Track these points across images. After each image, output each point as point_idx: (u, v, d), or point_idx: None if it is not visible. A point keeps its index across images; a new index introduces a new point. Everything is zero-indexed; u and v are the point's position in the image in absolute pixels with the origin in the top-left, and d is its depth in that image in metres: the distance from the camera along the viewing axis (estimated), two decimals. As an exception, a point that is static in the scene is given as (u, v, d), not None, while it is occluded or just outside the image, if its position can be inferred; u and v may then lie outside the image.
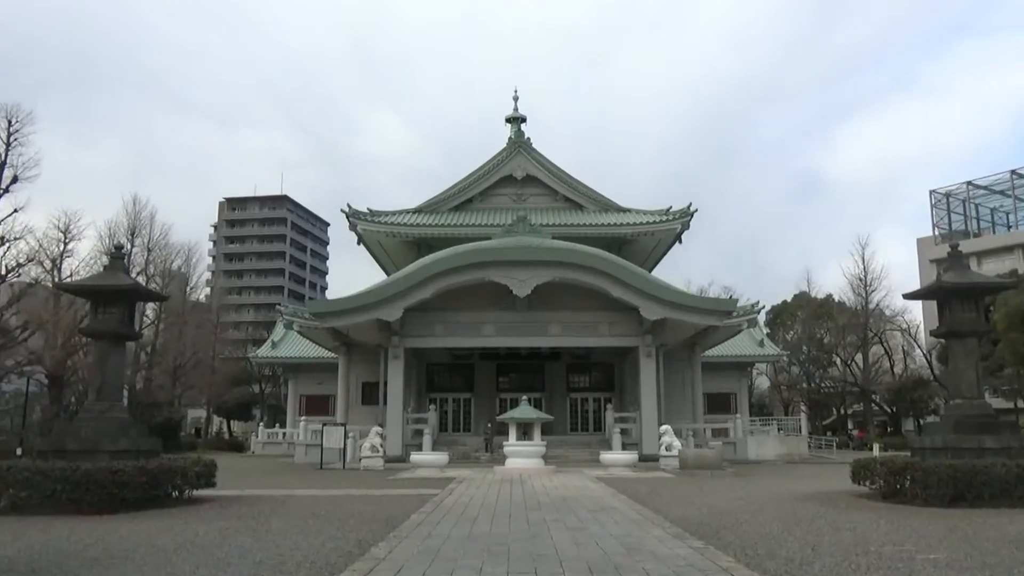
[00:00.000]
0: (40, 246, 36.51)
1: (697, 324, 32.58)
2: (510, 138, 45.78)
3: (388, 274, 43.34)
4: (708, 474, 23.71)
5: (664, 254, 45.67)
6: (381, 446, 29.21)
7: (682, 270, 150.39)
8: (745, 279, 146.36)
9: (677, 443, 28.78)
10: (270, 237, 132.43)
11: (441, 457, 26.31)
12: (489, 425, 32.65)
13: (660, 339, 33.47)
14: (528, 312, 33.42)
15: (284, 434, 47.66)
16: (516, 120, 47.52)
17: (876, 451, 35.46)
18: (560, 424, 39.30)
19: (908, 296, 18.50)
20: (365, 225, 40.94)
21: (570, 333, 33.87)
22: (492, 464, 29.14)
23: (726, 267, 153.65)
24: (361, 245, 43.29)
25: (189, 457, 16.76)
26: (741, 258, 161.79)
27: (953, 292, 16.72)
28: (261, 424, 53.49)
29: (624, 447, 32.59)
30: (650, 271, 40.34)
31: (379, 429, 30.00)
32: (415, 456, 26.80)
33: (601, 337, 33.97)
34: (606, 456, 27.09)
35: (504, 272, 31.68)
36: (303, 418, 41.14)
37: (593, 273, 31.45)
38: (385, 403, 33.16)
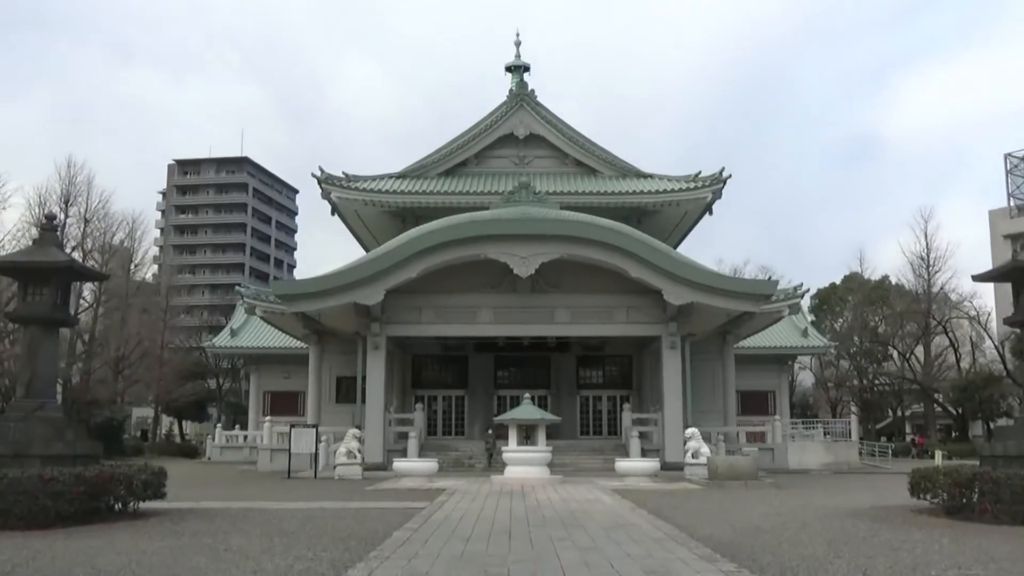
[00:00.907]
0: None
1: (730, 310, 32.63)
2: (511, 90, 45.53)
3: (367, 250, 43.30)
4: (742, 485, 23.81)
5: (691, 228, 45.68)
6: (359, 451, 29.33)
7: (713, 247, 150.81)
8: (786, 257, 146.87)
9: (705, 449, 28.92)
10: (228, 206, 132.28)
11: (429, 465, 26.42)
12: (491, 432, 32.77)
13: (686, 328, 33.52)
14: (532, 295, 33.43)
15: (245, 437, 47.89)
16: (518, 69, 47.29)
17: (939, 459, 35.60)
18: (568, 426, 39.54)
19: (978, 278, 18.45)
20: (340, 192, 40.85)
21: (581, 320, 33.91)
22: (489, 473, 29.33)
23: (764, 243, 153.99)
24: (336, 216, 43.29)
25: (134, 464, 16.79)
26: (782, 233, 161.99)
27: (1032, 273, 16.69)
28: (218, 425, 53.71)
29: (644, 454, 32.76)
30: (675, 247, 40.41)
31: (357, 432, 30.11)
32: (399, 463, 26.91)
33: (617, 325, 34.00)
34: (622, 464, 27.21)
35: (503, 248, 31.67)
36: (267, 418, 41.37)
37: (608, 249, 31.46)
38: (364, 401, 33.28)
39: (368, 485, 24.52)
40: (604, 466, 32.08)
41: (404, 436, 34.35)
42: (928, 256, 58.08)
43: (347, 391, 39.89)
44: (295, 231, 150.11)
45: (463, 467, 33.11)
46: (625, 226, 33.15)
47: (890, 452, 43.89)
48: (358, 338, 33.84)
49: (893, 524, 14.17)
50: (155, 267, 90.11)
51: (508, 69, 47.79)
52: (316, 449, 31.10)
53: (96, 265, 45.37)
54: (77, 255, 44.30)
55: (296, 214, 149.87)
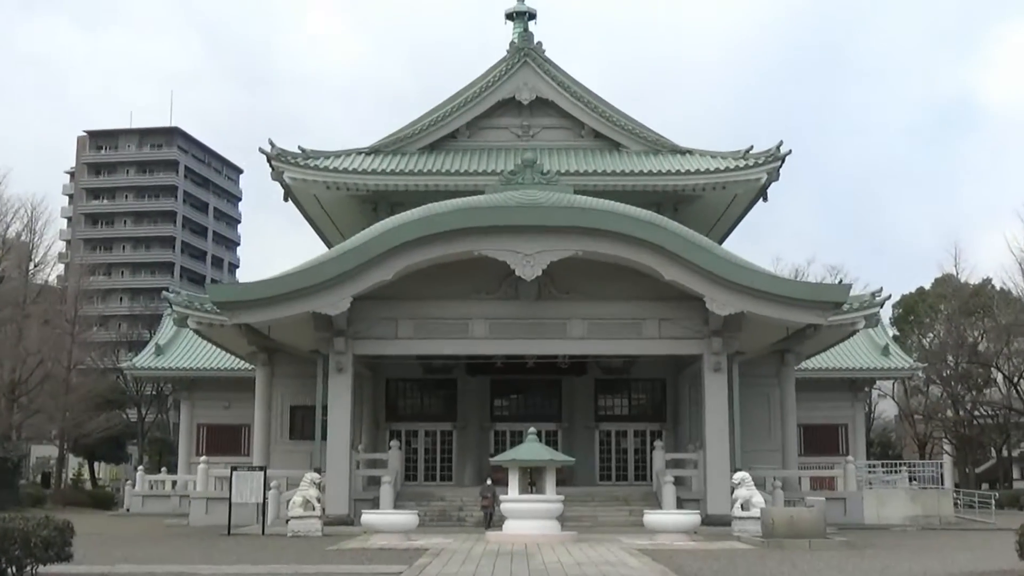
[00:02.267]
0: None
1: (790, 322, 32.61)
2: (512, 43, 45.41)
3: (330, 246, 43.35)
4: (805, 545, 23.75)
5: (740, 218, 45.64)
6: (318, 501, 29.26)
7: (766, 243, 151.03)
8: (861, 256, 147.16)
9: (759, 498, 28.85)
10: (154, 189, 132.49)
11: (407, 519, 26.35)
12: (489, 482, 32.54)
13: (735, 345, 33.54)
14: (538, 304, 33.47)
15: (174, 483, 47.87)
16: (521, 16, 47.20)
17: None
18: (585, 470, 39.54)
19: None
20: (296, 172, 40.88)
21: (600, 335, 33.93)
22: (483, 529, 29.21)
23: (832, 238, 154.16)
24: (290, 203, 43.30)
25: (33, 517, 16.76)
26: (855, 225, 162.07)
27: None
28: (139, 468, 53.62)
29: (680, 504, 32.65)
30: (720, 243, 40.42)
31: (315, 476, 30.07)
32: (369, 516, 26.84)
33: (647, 341, 34.01)
34: (653, 518, 27.13)
35: (503, 243, 31.69)
36: (202, 459, 41.32)
37: (636, 245, 31.47)
38: (324, 438, 33.25)
39: (330, 544, 24.44)
40: (630, 520, 31.80)
41: (376, 482, 34.25)
42: (1042, 254, 57.90)
43: (304, 425, 39.79)
44: (238, 222, 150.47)
45: (451, 521, 32.99)
46: (658, 215, 33.11)
47: (993, 502, 43.78)
48: (318, 357, 33.78)
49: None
50: (60, 267, 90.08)
51: (509, 16, 47.56)
52: (264, 498, 31.00)
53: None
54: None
55: (240, 200, 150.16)
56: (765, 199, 42.41)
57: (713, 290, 31.53)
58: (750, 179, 40.98)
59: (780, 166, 40.97)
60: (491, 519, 31.06)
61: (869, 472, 47.52)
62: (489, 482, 32.19)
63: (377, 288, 31.88)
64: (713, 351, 33.16)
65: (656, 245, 31.35)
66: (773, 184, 41.35)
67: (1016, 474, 70.45)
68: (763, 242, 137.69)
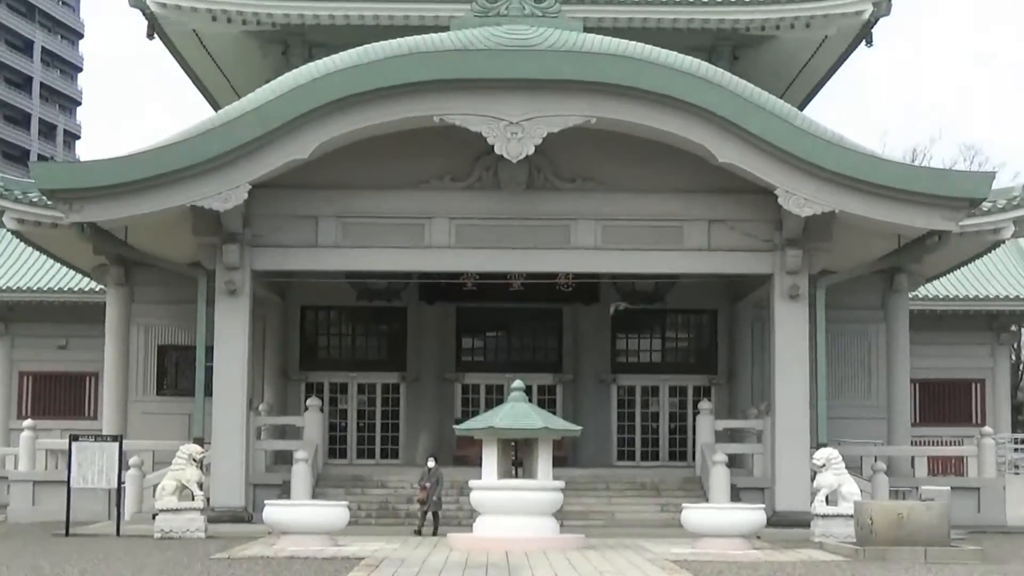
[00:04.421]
0: None
1: (904, 227, 32.47)
2: None
3: (217, 108, 42.80)
4: (920, 557, 23.81)
5: (831, 73, 45.28)
6: (200, 487, 29.26)
7: (866, 115, 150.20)
8: (1009, 134, 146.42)
9: (852, 487, 28.90)
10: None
11: (333, 513, 26.38)
12: (432, 464, 31.92)
13: (820, 261, 33.58)
14: (529, 197, 33.41)
15: (-14, 458, 47.81)
16: None
17: None
18: (597, 442, 39.99)
19: None
20: (163, -6, 40.14)
21: (621, 244, 33.91)
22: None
23: (967, 106, 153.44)
24: (156, 40, 42.51)
25: None
26: (1000, 90, 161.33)
27: None
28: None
29: (736, 495, 32.93)
30: (800, 108, 40.03)
31: (195, 450, 30.00)
32: (275, 510, 26.79)
33: (690, 254, 33.99)
34: (696, 515, 27.14)
35: (477, 105, 31.46)
36: (26, 423, 41.14)
37: (675, 110, 31.26)
38: (209, 393, 33.35)
39: (216, 549, 24.43)
40: (662, 517, 32.15)
41: (286, 459, 34.25)
42: None
43: (178, 374, 39.97)
44: (79, 70, 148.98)
45: (397, 516, 33.15)
46: (708, 65, 32.70)
47: None
48: (199, 274, 33.77)
49: None
50: None
51: None
52: (120, 482, 31.01)
53: None
54: None
55: (82, 38, 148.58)
56: (869, 43, 41.88)
57: (790, 178, 31.39)
58: (847, 11, 40.48)
59: (892, -8, 40.48)
60: (436, 522, 30.62)
61: (1015, 451, 47.83)
62: (432, 464, 31.65)
63: (288, 171, 31.76)
64: (788, 269, 33.12)
65: (705, 110, 31.12)
66: (882, 20, 40.84)
67: None
68: (862, 113, 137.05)
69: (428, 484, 30.82)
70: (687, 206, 33.67)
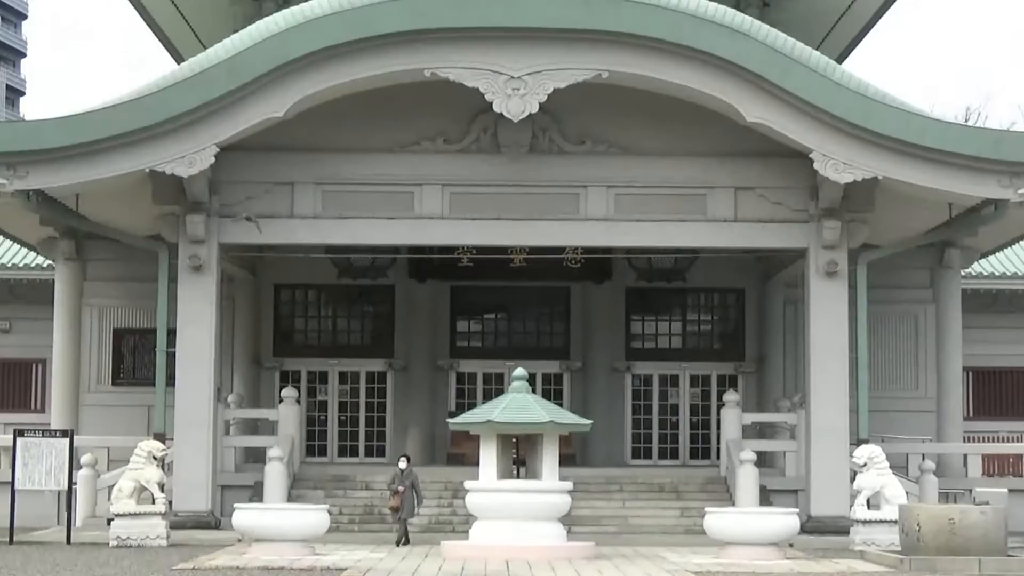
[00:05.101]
0: None
1: (956, 195, 32.32)
2: None
3: (180, 60, 42.79)
4: (974, 569, 23.78)
5: (871, 25, 45.24)
6: (161, 488, 29.27)
7: (913, 73, 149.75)
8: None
9: (897, 489, 28.92)
10: None
11: (311, 519, 26.34)
12: (404, 464, 31.49)
13: (861, 233, 33.60)
14: (532, 161, 33.39)
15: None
16: None
17: None
18: (609, 438, 40.14)
19: None
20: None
21: (636, 214, 33.93)
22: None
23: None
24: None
25: None
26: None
27: None
28: None
29: (766, 497, 33.02)
30: (839, 63, 39.96)
31: (156, 447, 30.03)
32: (246, 515, 26.78)
33: (714, 226, 34.02)
34: (722, 520, 27.13)
35: (474, 57, 31.37)
36: (-35, 416, 41.25)
37: (699, 63, 31.21)
38: (172, 383, 33.42)
39: (180, 560, 24.40)
40: (682, 523, 32.21)
41: (258, 456, 34.31)
42: None
43: (136, 361, 40.03)
44: (23, 16, 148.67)
45: (383, 522, 32.96)
46: (736, 13, 32.55)
47: None
48: (160, 249, 33.80)
49: None
50: None
51: None
52: (71, 482, 31.03)
53: None
54: None
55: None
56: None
57: (827, 140, 31.33)
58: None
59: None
60: (406, 532, 30.01)
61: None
62: (404, 464, 30.86)
63: (261, 132, 31.73)
64: (825, 243, 33.14)
65: (732, 63, 31.05)
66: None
67: None
68: (908, 69, 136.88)
69: (402, 488, 30.08)
70: (711, 172, 33.68)
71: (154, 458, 29.61)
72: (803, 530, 29.22)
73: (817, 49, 35.31)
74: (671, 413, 42.01)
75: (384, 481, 33.53)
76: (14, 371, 48.45)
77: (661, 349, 42.59)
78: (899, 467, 31.80)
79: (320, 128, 32.66)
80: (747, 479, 33.24)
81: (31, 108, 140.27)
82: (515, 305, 42.90)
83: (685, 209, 33.89)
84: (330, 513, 27.54)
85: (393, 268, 40.66)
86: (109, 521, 29.31)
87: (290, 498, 32.56)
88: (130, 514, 28.83)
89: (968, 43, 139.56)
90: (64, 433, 32.26)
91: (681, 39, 31.01)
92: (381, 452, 41.18)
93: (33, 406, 45.87)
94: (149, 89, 32.18)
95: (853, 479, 29.94)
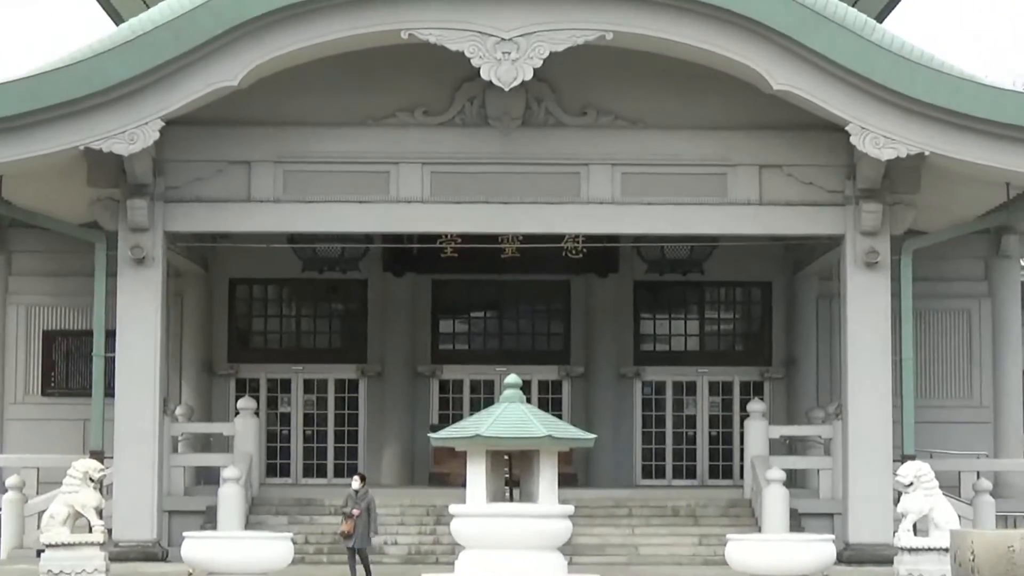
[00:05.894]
0: None
1: (1013, 174, 32.25)
2: None
3: (120, 21, 42.84)
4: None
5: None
6: (98, 514, 29.24)
7: (964, 34, 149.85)
8: None
9: (948, 513, 28.90)
10: None
11: (272, 548, 26.44)
12: (358, 484, 31.15)
13: (906, 218, 33.63)
14: (526, 136, 33.43)
15: None
16: None
17: None
18: (616, 455, 40.25)
19: None
20: None
21: (646, 196, 33.99)
22: (413, 570, 29.38)
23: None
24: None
25: None
26: None
27: None
28: None
29: (798, 524, 33.02)
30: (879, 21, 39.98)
31: (93, 467, 29.95)
32: (197, 544, 26.87)
33: (735, 210, 34.10)
34: (744, 550, 27.23)
35: (458, 16, 31.32)
36: None
37: (716, 22, 31.12)
38: (111, 393, 33.39)
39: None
40: (699, 552, 32.30)
41: (210, 477, 34.32)
42: None
43: (70, 367, 40.02)
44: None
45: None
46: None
47: None
48: (95, 237, 33.76)
49: None
50: None
51: None
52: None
53: None
54: None
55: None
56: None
57: (865, 110, 31.31)
58: None
59: None
60: (367, 565, 29.78)
61: None
62: (358, 484, 30.53)
63: (213, 104, 31.72)
64: (864, 229, 33.15)
65: (756, 21, 31.01)
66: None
67: None
68: (958, 31, 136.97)
69: (356, 512, 29.73)
70: (732, 147, 33.69)
71: (91, 480, 29.41)
72: (839, 560, 29.29)
73: (852, 6, 35.42)
74: (687, 426, 42.04)
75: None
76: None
77: (675, 352, 42.64)
78: (950, 487, 31.78)
79: (281, 99, 32.66)
80: (775, 501, 33.23)
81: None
82: (507, 302, 42.96)
83: (702, 190, 33.89)
84: (294, 542, 27.62)
85: (366, 260, 40.69)
86: (39, 552, 29.18)
87: (248, 525, 32.56)
88: (63, 544, 28.61)
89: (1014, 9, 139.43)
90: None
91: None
92: (353, 472, 40.96)
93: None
94: (83, 55, 32.05)
95: (897, 501, 29.91)
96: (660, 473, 41.42)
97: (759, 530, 32.35)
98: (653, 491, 38.93)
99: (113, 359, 33.26)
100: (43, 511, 30.22)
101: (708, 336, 42.62)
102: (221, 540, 27.90)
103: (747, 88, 31.93)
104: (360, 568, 29.59)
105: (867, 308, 33.32)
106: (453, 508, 27.79)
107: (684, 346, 42.68)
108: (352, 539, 29.38)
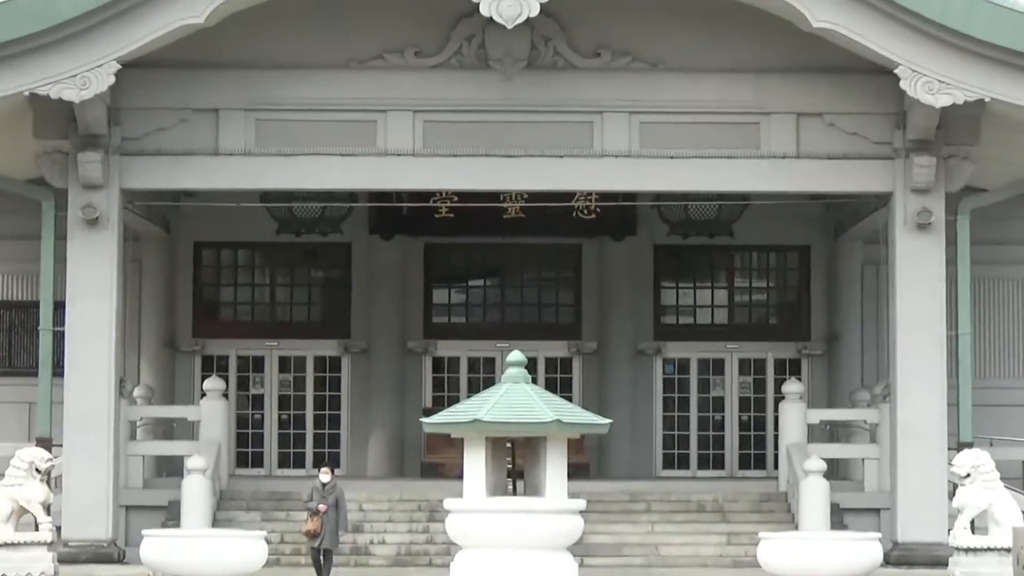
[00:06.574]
0: None
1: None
2: None
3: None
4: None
5: None
6: (46, 509, 29.19)
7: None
8: None
9: (1010, 508, 28.82)
10: None
11: (243, 547, 26.38)
12: (325, 477, 30.91)
13: (962, 174, 33.55)
14: (531, 81, 33.45)
15: None
16: None
17: None
18: (632, 440, 40.42)
19: None
20: None
21: (668, 149, 33.92)
22: (404, 572, 29.35)
23: None
24: None
25: None
26: None
27: None
28: None
29: (840, 520, 33.03)
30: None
31: (40, 456, 29.90)
32: (157, 543, 26.83)
33: (769, 163, 34.01)
34: (777, 549, 27.16)
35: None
36: None
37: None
38: (60, 372, 33.43)
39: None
40: (728, 553, 32.40)
41: (173, 468, 34.35)
42: None
43: (13, 344, 40.28)
44: None
45: (337, 554, 33.00)
46: None
47: None
48: (42, 196, 33.89)
49: None
50: None
51: None
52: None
53: None
54: None
55: None
56: None
57: (916, 50, 31.17)
58: None
59: None
60: (330, 565, 29.67)
61: None
62: (327, 477, 30.40)
63: (176, 44, 31.53)
64: (915, 186, 33.07)
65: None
66: None
67: None
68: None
69: (323, 507, 29.69)
70: (765, 93, 33.59)
71: (37, 471, 29.37)
72: (887, 561, 29.33)
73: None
74: (714, 409, 42.09)
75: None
76: None
77: (701, 326, 42.70)
78: (1013, 479, 31.74)
79: (253, 39, 32.62)
80: (814, 495, 33.24)
81: None
82: (509, 269, 43.03)
83: (732, 142, 33.81)
84: (268, 542, 27.61)
85: (349, 221, 40.69)
86: (-21, 552, 29.24)
87: (216, 522, 32.62)
88: (6, 544, 28.61)
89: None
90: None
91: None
92: (335, 462, 40.94)
93: None
94: (24, -12, 32.07)
95: (952, 495, 29.84)
96: (683, 463, 41.45)
97: (796, 528, 32.34)
98: (675, 483, 38.87)
99: (62, 334, 33.26)
100: (-15, 504, 30.27)
101: (738, 308, 42.64)
102: (185, 539, 27.86)
103: (783, 26, 31.68)
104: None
105: (918, 276, 33.20)
106: (448, 503, 27.73)
107: (711, 319, 42.71)
108: (318, 539, 29.32)
